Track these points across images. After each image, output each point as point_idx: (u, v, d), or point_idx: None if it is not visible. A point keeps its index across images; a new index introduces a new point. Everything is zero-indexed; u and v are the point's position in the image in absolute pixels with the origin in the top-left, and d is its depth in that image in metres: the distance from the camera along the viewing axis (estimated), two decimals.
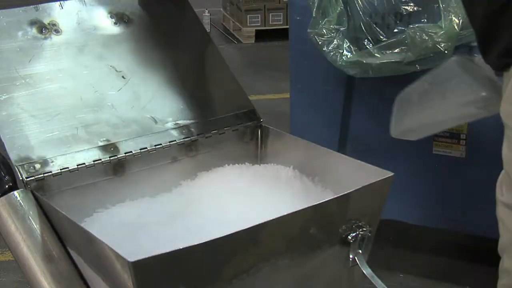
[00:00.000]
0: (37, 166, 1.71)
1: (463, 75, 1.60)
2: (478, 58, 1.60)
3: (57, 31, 1.90)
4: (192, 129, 1.95)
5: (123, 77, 1.93)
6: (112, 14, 2.01)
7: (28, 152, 1.71)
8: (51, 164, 1.72)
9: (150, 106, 1.93)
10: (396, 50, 2.32)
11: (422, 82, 1.72)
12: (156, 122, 1.91)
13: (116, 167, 1.83)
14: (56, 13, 1.93)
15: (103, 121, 1.85)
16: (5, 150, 1.71)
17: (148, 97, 1.94)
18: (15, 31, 1.86)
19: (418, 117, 1.73)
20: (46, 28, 1.89)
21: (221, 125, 2.00)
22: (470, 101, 1.59)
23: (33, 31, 1.88)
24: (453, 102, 1.63)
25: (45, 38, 1.88)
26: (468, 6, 1.58)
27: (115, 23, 2.00)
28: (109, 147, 1.81)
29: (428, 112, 1.69)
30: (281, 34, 5.76)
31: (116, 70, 1.93)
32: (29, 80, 1.81)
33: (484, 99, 1.57)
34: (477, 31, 1.56)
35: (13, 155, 1.69)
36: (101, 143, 1.81)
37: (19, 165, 1.69)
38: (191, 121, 1.96)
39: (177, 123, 1.93)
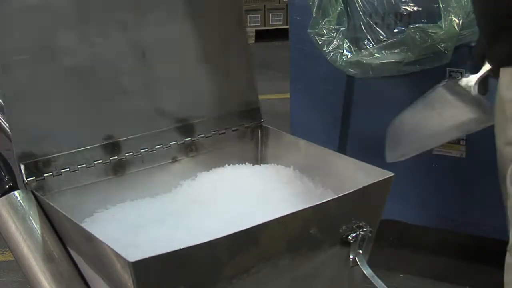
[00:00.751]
0: (39, 165, 1.70)
1: (452, 100, 1.64)
2: (465, 80, 1.65)
3: None
4: (193, 129, 1.95)
5: (143, 54, 1.85)
6: None
7: (30, 149, 1.69)
8: (52, 163, 1.72)
9: (160, 95, 1.89)
10: (396, 50, 2.32)
11: (413, 110, 1.76)
12: (161, 114, 1.89)
13: (116, 167, 1.83)
14: None
15: (109, 111, 1.81)
16: (5, 149, 1.71)
17: (160, 84, 1.89)
18: None
19: (412, 142, 1.76)
20: None
21: (221, 125, 1.99)
22: (461, 123, 1.63)
23: None
24: (445, 126, 1.67)
25: None
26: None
27: None
28: (110, 147, 1.81)
29: (422, 137, 1.73)
30: (281, 34, 5.76)
31: (137, 46, 1.84)
32: (41, 54, 1.70)
33: (474, 120, 1.61)
34: (488, 24, 1.57)
35: (17, 152, 1.66)
36: (103, 141, 1.80)
37: (21, 164, 1.67)
38: (193, 120, 1.95)
39: (179, 121, 1.93)
